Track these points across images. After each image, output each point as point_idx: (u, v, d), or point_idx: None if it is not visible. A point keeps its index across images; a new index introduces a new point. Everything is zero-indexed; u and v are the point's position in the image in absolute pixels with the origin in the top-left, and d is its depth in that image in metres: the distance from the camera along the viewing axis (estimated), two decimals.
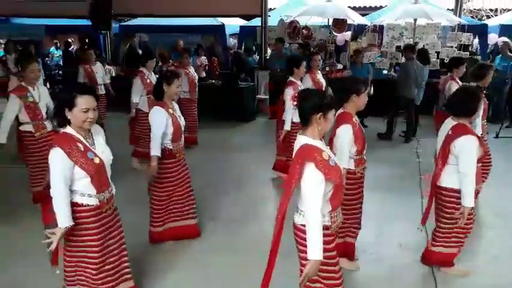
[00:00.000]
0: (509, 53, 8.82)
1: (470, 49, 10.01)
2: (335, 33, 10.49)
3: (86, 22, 11.15)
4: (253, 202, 5.03)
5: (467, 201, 3.17)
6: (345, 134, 3.19)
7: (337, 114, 3.22)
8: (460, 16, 10.09)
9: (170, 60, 9.40)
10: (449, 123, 3.33)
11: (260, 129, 8.76)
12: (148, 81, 5.82)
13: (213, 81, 9.55)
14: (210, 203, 4.75)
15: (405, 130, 7.80)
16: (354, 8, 12.49)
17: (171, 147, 3.73)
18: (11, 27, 13.57)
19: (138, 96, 5.80)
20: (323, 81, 6.02)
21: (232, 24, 13.40)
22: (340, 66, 10.17)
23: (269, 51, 10.34)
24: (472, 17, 15.20)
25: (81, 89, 2.57)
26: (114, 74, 9.92)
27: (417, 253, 3.88)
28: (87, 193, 2.58)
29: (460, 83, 5.69)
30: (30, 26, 13.03)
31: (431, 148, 6.85)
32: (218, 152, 6.87)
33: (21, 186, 4.96)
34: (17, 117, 4.49)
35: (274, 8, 12.74)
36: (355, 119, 3.30)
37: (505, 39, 10.29)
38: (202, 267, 3.69)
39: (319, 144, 2.36)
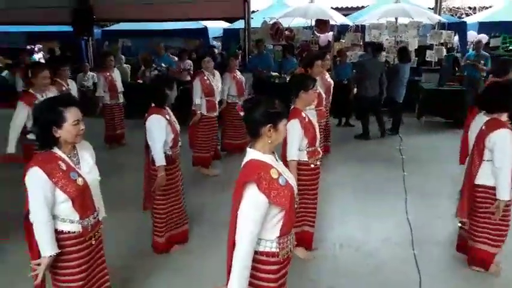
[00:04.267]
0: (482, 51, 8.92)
1: (450, 46, 10.15)
2: (318, 34, 10.58)
3: (67, 28, 11.08)
4: None
5: (503, 194, 3.18)
6: (293, 128, 3.33)
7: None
8: (440, 14, 10.27)
9: (153, 65, 9.33)
10: (481, 118, 3.34)
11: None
12: (207, 82, 5.67)
13: None
14: (195, 205, 4.73)
15: (390, 127, 7.91)
16: (337, 9, 12.61)
17: (170, 153, 3.68)
18: None
19: (199, 98, 5.62)
20: (331, 81, 6.25)
21: (216, 27, 13.42)
22: None
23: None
24: (451, 15, 15.45)
25: (64, 102, 2.32)
26: (96, 80, 9.84)
27: (402, 248, 3.94)
28: (68, 218, 2.34)
29: None
30: (12, 33, 12.91)
31: (414, 145, 7.06)
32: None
33: None
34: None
35: (257, 10, 12.80)
36: (304, 114, 3.47)
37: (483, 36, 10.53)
38: (189, 271, 3.67)
39: (269, 159, 2.07)
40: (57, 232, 2.34)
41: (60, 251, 2.32)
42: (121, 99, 7.18)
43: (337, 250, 3.95)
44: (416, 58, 9.69)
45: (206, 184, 5.65)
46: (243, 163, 2.09)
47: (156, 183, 3.61)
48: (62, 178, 2.26)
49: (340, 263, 3.77)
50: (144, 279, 3.54)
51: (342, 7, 14.40)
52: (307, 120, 3.46)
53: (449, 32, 9.71)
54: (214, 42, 13.45)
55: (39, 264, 2.29)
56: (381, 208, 4.85)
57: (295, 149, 3.38)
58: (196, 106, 5.67)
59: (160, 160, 3.54)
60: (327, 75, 6.25)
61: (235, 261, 1.96)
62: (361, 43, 10.59)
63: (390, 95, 7.71)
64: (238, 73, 6.67)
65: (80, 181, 2.32)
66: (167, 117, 3.63)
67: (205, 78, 5.71)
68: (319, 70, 5.25)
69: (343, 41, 11.12)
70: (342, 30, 11.29)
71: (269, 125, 2.03)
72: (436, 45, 9.68)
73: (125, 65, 10.85)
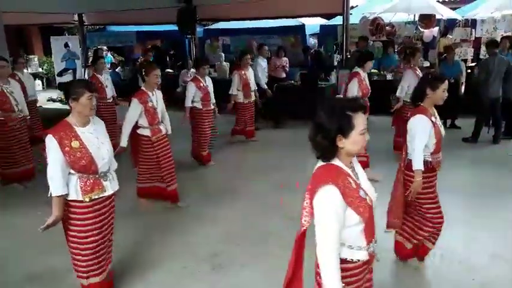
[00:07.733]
0: None
1: None
2: (422, 29, 9.97)
3: (171, 27, 11.76)
4: None
5: None
6: None
7: None
8: None
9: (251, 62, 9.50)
10: None
11: None
12: (364, 83, 5.63)
13: (292, 81, 9.54)
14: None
15: (504, 131, 7.20)
16: (443, 2, 11.78)
17: (430, 159, 3.29)
18: (107, 34, 14.78)
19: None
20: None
21: (312, 23, 13.29)
22: (427, 63, 9.64)
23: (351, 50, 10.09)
24: None
25: (353, 106, 1.89)
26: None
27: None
28: (356, 245, 1.94)
29: None
30: (123, 33, 14.05)
31: None
32: (298, 151, 6.76)
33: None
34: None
35: (356, 6, 12.41)
36: None
37: None
38: None
39: None
40: (345, 261, 1.94)
41: (343, 285, 1.88)
42: (253, 97, 7.33)
43: (438, 260, 3.67)
44: None
45: None
46: None
47: (411, 188, 3.29)
48: (354, 197, 1.87)
49: (440, 274, 3.51)
50: None
51: (449, 0, 13.42)
52: None
53: None
54: (311, 39, 13.35)
55: None
56: (489, 219, 4.43)
57: None
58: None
59: (418, 164, 3.22)
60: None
61: None
62: (471, 39, 9.79)
63: (506, 96, 7.01)
64: (419, 70, 6.37)
65: (368, 200, 1.93)
66: (433, 119, 3.27)
67: (362, 78, 5.59)
68: None
69: (451, 36, 10.36)
70: (449, 25, 10.52)
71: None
72: None
73: (224, 63, 11.27)
